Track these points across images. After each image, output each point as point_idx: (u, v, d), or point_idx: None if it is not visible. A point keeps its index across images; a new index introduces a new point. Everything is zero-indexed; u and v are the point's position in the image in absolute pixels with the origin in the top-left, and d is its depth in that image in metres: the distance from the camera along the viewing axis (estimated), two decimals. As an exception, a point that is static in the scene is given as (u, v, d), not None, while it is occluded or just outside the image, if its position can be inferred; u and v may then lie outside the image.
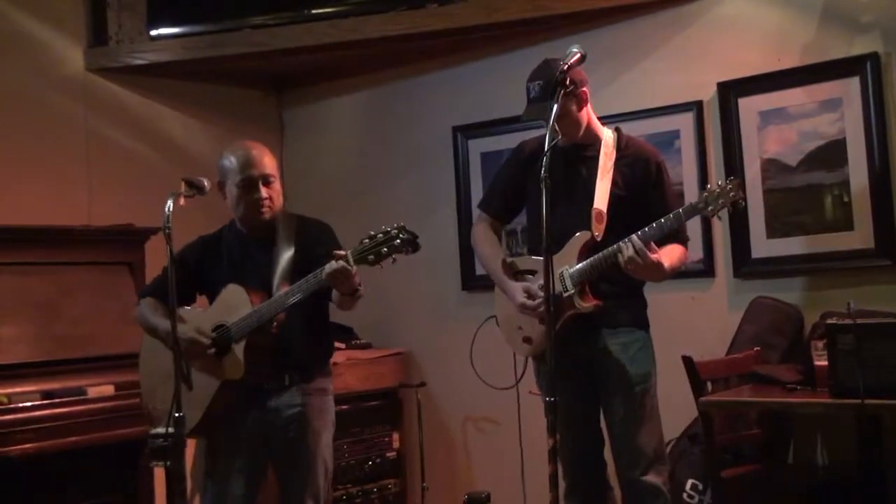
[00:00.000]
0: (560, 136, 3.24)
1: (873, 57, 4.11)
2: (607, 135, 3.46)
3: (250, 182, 3.39)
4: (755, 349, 4.16)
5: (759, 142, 4.39)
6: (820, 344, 3.67)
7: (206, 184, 3.31)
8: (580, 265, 3.30)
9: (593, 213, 3.32)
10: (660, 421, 3.48)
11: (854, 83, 4.16)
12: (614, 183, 3.37)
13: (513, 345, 3.55)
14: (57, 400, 4.18)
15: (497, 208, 3.66)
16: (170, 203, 3.13)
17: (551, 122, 2.92)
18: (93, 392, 4.28)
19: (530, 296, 3.35)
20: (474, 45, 5.22)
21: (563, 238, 3.32)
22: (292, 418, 3.41)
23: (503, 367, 3.72)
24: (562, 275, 3.30)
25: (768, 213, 4.37)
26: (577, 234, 3.33)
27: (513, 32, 5.00)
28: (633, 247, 3.14)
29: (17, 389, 4.14)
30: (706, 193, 3.10)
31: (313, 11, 5.13)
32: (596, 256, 3.27)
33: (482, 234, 3.65)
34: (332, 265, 3.10)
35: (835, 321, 3.57)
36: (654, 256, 3.14)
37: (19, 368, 4.21)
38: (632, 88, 4.73)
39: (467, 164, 5.30)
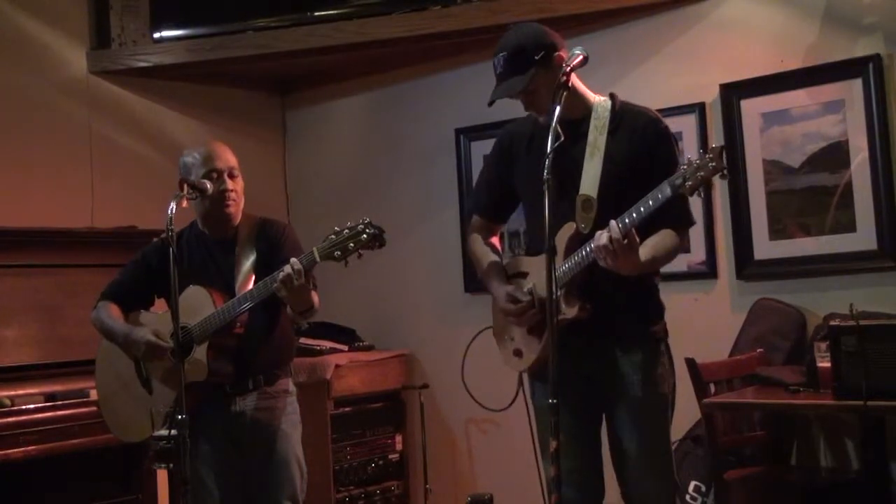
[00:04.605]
0: (544, 116, 2.88)
1: (876, 58, 4.11)
2: (600, 104, 2.96)
3: (216, 173, 3.36)
4: (758, 351, 4.17)
5: (762, 143, 4.39)
6: (823, 346, 3.68)
7: (208, 186, 3.31)
8: (563, 263, 2.86)
9: (579, 202, 2.87)
10: (671, 458, 3.06)
11: (856, 85, 4.16)
12: (607, 160, 2.87)
13: (505, 358, 3.12)
14: (60, 402, 4.20)
15: (485, 208, 3.24)
16: (172, 205, 3.11)
17: (553, 124, 2.62)
18: (95, 394, 4.29)
19: (514, 300, 2.97)
20: (477, 46, 5.20)
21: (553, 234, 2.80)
22: (260, 422, 3.39)
23: (501, 380, 3.35)
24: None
25: (771, 215, 4.37)
26: (563, 227, 2.88)
27: (516, 34, 5.00)
28: (609, 235, 2.68)
29: (21, 392, 4.15)
30: (684, 167, 2.63)
31: (316, 14, 5.14)
32: (577, 251, 2.84)
33: (473, 240, 3.24)
34: (285, 269, 3.07)
35: (838, 323, 3.57)
36: (630, 245, 2.69)
37: (22, 371, 4.22)
38: (634, 90, 4.69)
39: (470, 166, 5.30)
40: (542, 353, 2.95)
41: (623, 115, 2.95)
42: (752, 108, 4.42)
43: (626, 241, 2.67)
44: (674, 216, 2.86)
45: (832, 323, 3.62)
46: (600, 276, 2.82)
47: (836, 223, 4.21)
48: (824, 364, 3.64)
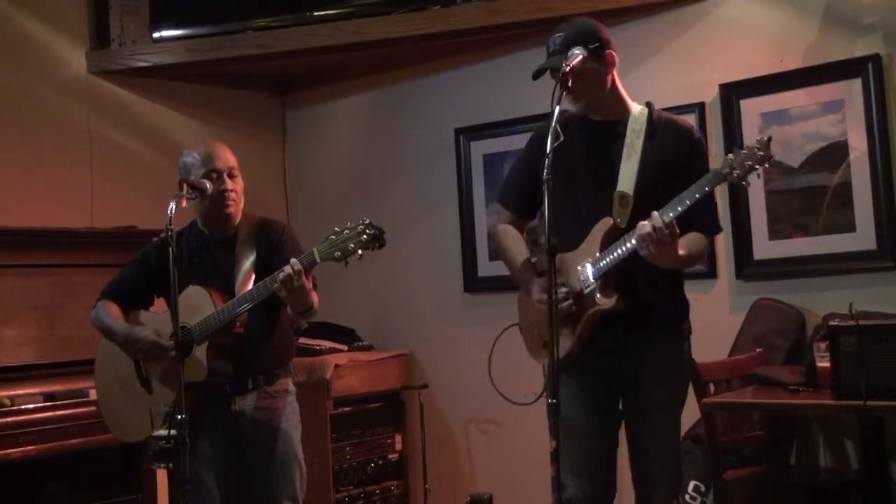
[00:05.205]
0: (579, 105, 3.01)
1: (875, 58, 4.11)
2: (637, 110, 3.11)
3: (216, 173, 3.36)
4: (757, 351, 4.17)
5: (762, 143, 4.39)
6: (822, 345, 3.68)
7: (207, 186, 3.31)
8: (600, 256, 2.96)
9: (616, 198, 2.97)
10: (680, 454, 3.19)
11: (856, 85, 4.16)
12: (643, 163, 2.98)
13: (533, 352, 3.18)
14: (59, 402, 4.20)
15: (515, 204, 3.26)
16: (172, 205, 3.11)
17: (553, 123, 2.61)
18: (95, 394, 4.29)
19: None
20: (476, 46, 5.22)
21: (588, 228, 3.01)
22: (260, 422, 3.39)
23: (518, 377, 3.49)
24: (582, 269, 2.97)
25: (770, 215, 4.37)
26: (600, 222, 2.99)
27: (515, 34, 5.00)
28: (652, 223, 2.75)
29: (20, 392, 4.15)
30: (731, 156, 2.72)
31: (316, 13, 5.14)
32: (614, 244, 2.93)
33: (504, 231, 3.27)
34: (285, 270, 3.08)
35: (837, 323, 3.58)
36: (671, 235, 2.77)
37: (22, 371, 4.23)
38: (634, 90, 4.63)
39: (469, 166, 5.30)
40: (573, 346, 3.02)
41: (660, 122, 3.08)
42: (751, 108, 4.42)
43: (667, 230, 2.76)
44: (704, 221, 3.00)
45: (831, 323, 3.62)
46: (636, 269, 2.91)
47: (835, 223, 4.21)
48: (824, 364, 3.64)
